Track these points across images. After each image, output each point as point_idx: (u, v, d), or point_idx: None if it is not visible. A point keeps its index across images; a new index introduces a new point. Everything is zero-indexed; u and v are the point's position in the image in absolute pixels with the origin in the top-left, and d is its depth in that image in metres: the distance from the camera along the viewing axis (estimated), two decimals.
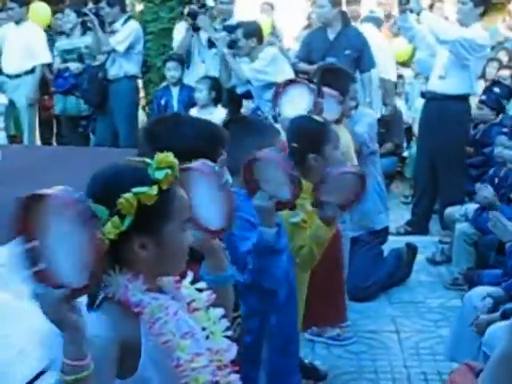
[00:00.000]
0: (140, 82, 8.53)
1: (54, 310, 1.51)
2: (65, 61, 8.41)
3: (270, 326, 3.03)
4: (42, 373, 2.55)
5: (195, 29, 7.66)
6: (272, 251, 2.74)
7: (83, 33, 8.38)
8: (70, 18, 8.41)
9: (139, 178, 1.74)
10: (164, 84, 8.07)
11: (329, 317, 4.38)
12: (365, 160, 5.19)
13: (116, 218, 1.68)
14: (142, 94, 8.64)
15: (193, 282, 1.95)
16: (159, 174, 1.73)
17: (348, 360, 4.64)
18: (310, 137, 3.44)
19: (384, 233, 5.83)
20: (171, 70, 7.75)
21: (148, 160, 1.77)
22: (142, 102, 8.76)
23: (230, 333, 1.97)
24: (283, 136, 3.41)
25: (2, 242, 3.78)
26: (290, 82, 4.08)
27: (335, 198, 3.18)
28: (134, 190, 1.70)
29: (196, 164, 1.98)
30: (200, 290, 1.95)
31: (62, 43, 8.52)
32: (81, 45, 8.35)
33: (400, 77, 9.14)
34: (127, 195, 1.69)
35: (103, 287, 1.76)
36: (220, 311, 1.96)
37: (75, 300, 1.54)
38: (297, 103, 3.85)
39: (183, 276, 1.94)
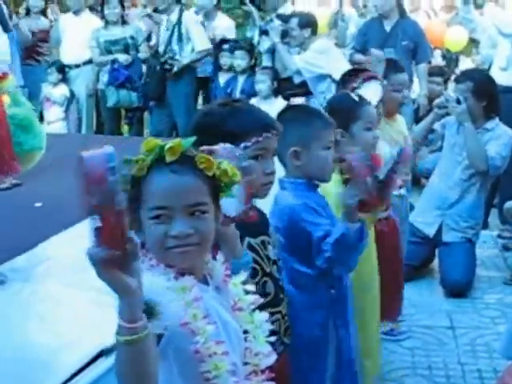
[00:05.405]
0: None
1: (101, 270, 1.45)
2: (109, 52, 8.23)
3: (336, 319, 2.99)
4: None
5: None
6: (353, 248, 2.78)
7: (122, 23, 8.31)
8: (114, 8, 8.20)
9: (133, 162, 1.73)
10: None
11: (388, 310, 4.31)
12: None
13: None
14: None
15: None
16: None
17: (402, 355, 4.56)
18: (339, 112, 3.41)
19: None
20: (238, 59, 7.74)
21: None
22: None
23: (272, 338, 1.91)
24: None
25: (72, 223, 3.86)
26: (369, 77, 4.03)
27: None
28: None
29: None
30: (247, 292, 1.91)
31: (102, 33, 8.26)
32: (125, 35, 8.26)
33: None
34: None
35: None
36: (264, 315, 1.91)
37: (130, 262, 1.47)
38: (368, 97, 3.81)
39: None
